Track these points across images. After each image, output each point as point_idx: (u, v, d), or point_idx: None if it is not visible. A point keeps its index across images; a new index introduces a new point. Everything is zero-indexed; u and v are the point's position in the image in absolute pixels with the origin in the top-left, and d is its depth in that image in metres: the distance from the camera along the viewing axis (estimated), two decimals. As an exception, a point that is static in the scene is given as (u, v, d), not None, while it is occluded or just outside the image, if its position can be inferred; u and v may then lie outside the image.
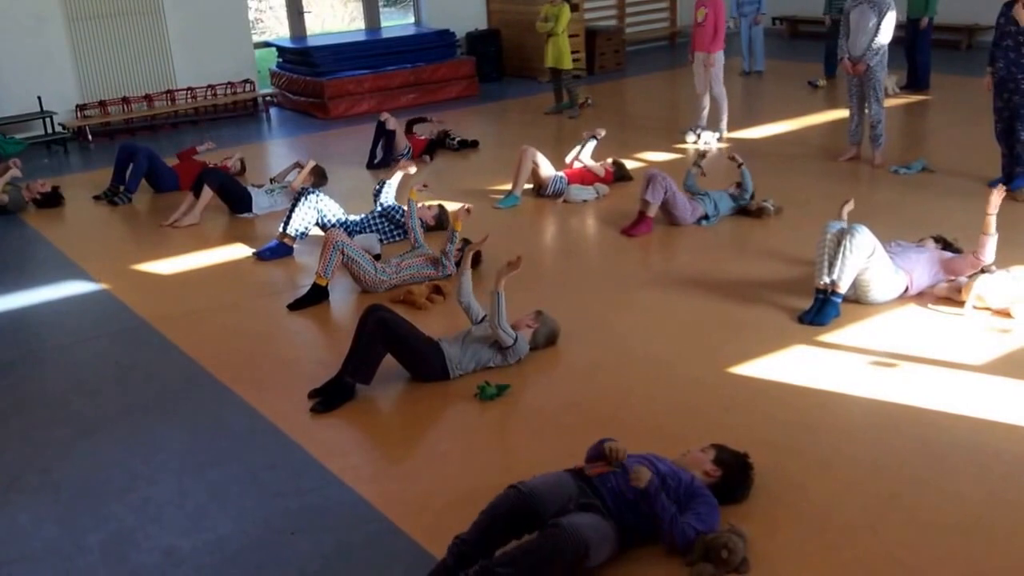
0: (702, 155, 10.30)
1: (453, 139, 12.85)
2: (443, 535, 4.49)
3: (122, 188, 11.04)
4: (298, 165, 10.86)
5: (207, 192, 10.10)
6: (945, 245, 7.64)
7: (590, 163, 10.65)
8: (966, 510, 4.84)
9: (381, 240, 9.01)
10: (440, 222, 9.36)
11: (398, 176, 9.48)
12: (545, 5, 14.39)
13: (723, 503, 4.81)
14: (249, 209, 10.30)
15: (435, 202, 9.62)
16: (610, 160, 10.88)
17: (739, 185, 9.47)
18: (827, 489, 5.05)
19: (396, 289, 7.93)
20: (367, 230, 9.09)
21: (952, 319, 6.93)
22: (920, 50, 14.36)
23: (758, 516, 4.83)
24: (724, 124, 12.42)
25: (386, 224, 9.18)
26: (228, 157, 11.68)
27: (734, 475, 4.89)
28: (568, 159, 10.74)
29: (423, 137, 12.61)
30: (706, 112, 12.41)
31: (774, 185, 9.94)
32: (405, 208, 8.68)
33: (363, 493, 5.27)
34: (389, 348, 6.28)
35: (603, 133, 10.83)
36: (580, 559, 4.22)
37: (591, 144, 10.69)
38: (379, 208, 9.26)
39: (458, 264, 8.10)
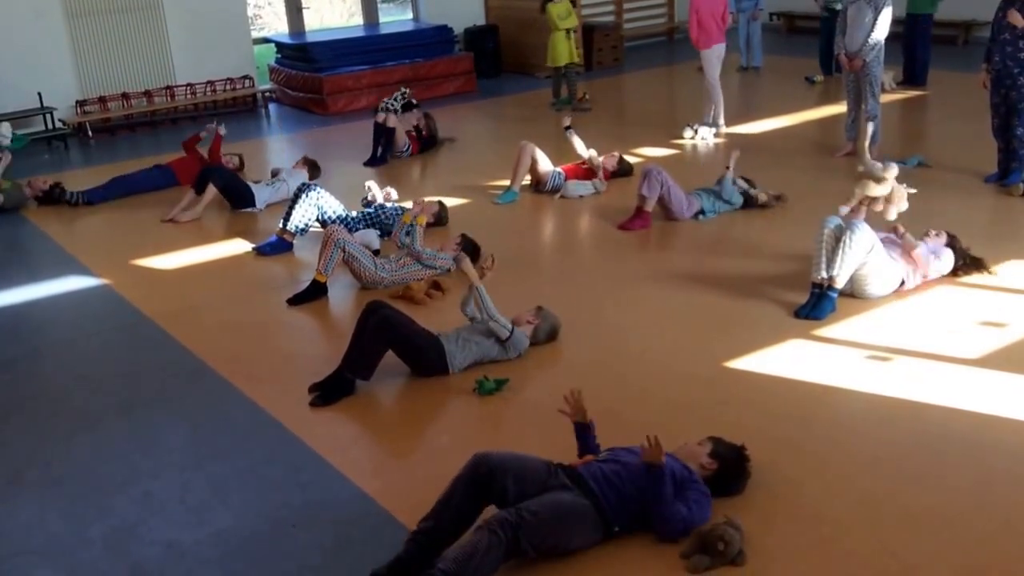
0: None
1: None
2: (442, 528, 4.54)
3: (75, 195, 10.98)
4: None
5: (211, 190, 10.14)
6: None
7: (584, 154, 10.64)
8: (961, 504, 4.87)
9: (380, 236, 9.03)
10: (440, 219, 9.38)
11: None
12: (557, 4, 14.34)
13: (720, 496, 4.86)
14: (251, 205, 10.34)
15: (435, 199, 9.65)
16: (616, 154, 10.90)
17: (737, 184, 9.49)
18: (823, 483, 5.09)
19: (395, 285, 7.97)
20: (367, 226, 9.12)
21: (947, 313, 6.97)
22: (920, 46, 14.38)
23: (754, 509, 4.86)
24: (720, 120, 12.44)
25: (386, 220, 9.20)
26: (225, 155, 11.69)
27: (730, 468, 4.93)
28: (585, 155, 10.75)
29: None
30: (713, 107, 12.44)
31: (771, 180, 9.95)
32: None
33: (363, 487, 5.31)
34: (391, 346, 6.32)
35: (568, 121, 10.86)
36: (511, 544, 4.29)
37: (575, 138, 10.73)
38: (381, 208, 9.30)
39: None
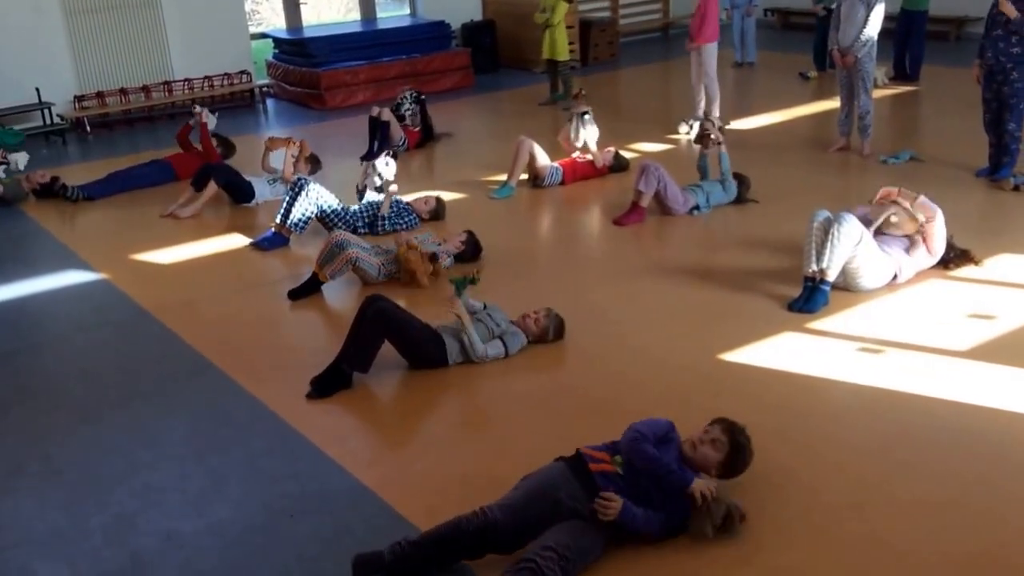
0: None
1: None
2: (440, 518, 4.57)
3: (75, 191, 10.95)
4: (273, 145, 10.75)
5: (211, 187, 10.18)
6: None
7: (594, 148, 10.70)
8: (950, 491, 4.93)
9: (379, 231, 9.05)
10: (436, 214, 9.42)
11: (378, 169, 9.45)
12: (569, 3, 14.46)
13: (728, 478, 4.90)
14: (250, 199, 10.40)
15: (433, 193, 9.68)
16: (612, 150, 10.96)
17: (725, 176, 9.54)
18: (815, 472, 5.14)
19: (395, 275, 8.00)
20: (368, 220, 9.18)
21: (938, 306, 7.04)
22: (915, 42, 14.43)
23: (747, 498, 4.90)
24: (715, 114, 12.48)
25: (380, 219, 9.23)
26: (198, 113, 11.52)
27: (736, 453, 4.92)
28: (568, 140, 10.78)
29: (416, 128, 12.67)
30: (702, 103, 12.49)
31: (765, 175, 10.02)
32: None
33: (361, 478, 5.34)
34: (389, 338, 6.36)
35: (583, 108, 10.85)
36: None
37: (590, 126, 10.76)
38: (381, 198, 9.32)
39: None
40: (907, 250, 7.39)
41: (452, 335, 6.52)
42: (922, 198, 7.41)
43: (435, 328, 6.54)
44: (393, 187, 9.30)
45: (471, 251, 8.37)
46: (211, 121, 11.42)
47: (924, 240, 7.44)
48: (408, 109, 12.68)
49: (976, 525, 4.68)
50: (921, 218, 7.39)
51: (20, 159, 11.48)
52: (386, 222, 9.13)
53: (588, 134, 10.68)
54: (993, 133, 9.64)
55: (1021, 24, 9.01)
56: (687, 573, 4.46)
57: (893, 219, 7.43)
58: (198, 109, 11.47)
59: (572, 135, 10.76)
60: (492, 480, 4.95)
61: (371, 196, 9.42)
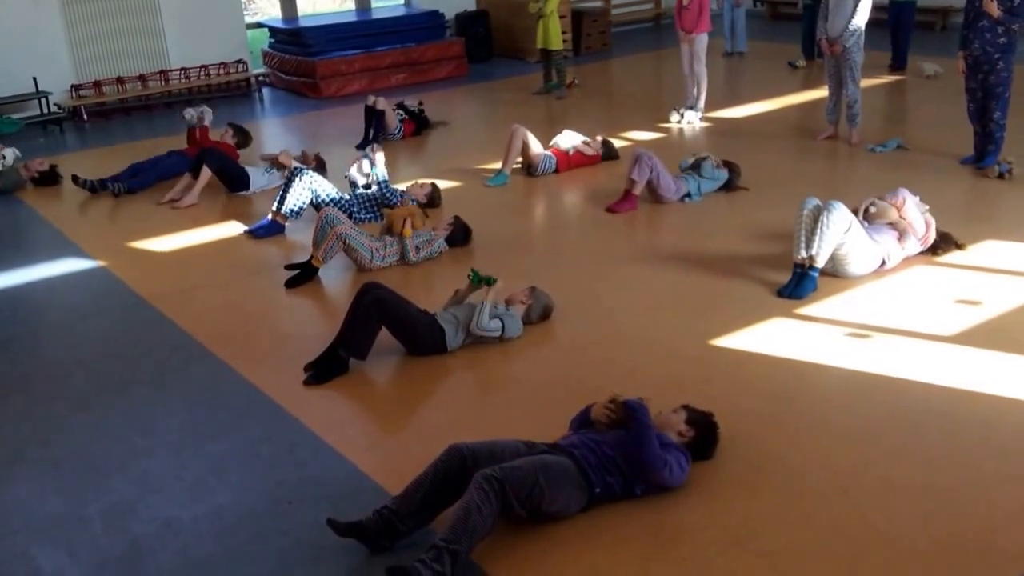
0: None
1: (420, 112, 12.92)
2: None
3: (118, 186, 10.71)
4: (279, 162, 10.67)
5: (206, 172, 10.21)
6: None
7: (577, 146, 10.81)
8: (938, 475, 4.99)
9: (380, 219, 9.10)
10: (432, 200, 9.48)
11: (368, 163, 9.49)
12: None
13: (694, 460, 5.01)
14: (246, 187, 10.44)
15: (428, 180, 9.74)
16: (600, 138, 11.05)
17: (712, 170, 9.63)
18: (804, 456, 5.20)
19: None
20: (367, 207, 9.24)
21: (924, 292, 7.11)
22: (902, 33, 14.47)
23: (737, 482, 4.98)
24: (702, 103, 12.55)
25: (388, 200, 9.26)
26: (223, 133, 11.56)
27: (705, 433, 5.09)
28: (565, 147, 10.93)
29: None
30: (693, 92, 12.54)
31: (755, 163, 10.08)
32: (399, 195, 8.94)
33: (358, 464, 5.39)
34: (386, 326, 6.41)
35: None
36: (500, 497, 4.39)
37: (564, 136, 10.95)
38: (373, 190, 9.38)
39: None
40: (895, 237, 7.47)
41: (450, 322, 6.57)
42: (892, 193, 7.52)
43: (433, 315, 6.60)
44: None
45: (460, 235, 8.44)
46: (208, 117, 11.47)
47: (908, 226, 7.53)
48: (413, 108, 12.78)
49: (963, 508, 4.74)
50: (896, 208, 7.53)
51: (8, 153, 11.48)
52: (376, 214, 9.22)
53: (563, 140, 10.86)
54: (978, 122, 9.70)
55: (1006, 21, 9.09)
56: (679, 557, 4.52)
57: (872, 209, 7.53)
58: (206, 119, 11.48)
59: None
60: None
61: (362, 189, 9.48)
